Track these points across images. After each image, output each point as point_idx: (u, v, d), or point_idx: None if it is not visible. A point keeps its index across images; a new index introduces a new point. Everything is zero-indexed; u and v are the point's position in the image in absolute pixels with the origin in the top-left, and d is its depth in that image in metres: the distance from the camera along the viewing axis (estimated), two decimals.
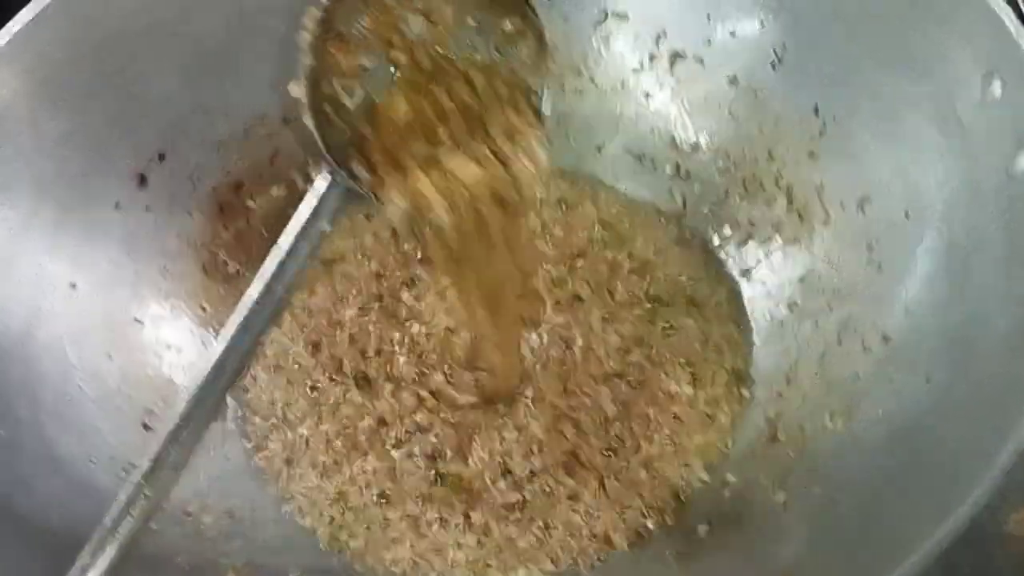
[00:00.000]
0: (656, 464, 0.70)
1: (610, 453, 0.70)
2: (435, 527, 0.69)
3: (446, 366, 0.75)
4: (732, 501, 0.66)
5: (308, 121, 0.61)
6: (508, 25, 0.62)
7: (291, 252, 0.60)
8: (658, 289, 0.79)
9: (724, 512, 0.66)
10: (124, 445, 0.68)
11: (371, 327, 0.78)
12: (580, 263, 0.81)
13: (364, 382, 0.75)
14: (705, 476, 0.69)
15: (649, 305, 0.78)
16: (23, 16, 0.70)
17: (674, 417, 0.72)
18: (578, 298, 0.78)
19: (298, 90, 0.60)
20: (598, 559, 0.67)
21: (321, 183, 0.63)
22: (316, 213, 0.62)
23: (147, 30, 0.76)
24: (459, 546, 0.68)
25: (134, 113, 0.76)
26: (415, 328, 0.77)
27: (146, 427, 0.71)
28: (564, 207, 0.85)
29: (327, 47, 0.59)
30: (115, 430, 0.69)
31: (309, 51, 0.59)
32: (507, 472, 0.70)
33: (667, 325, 0.77)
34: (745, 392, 0.73)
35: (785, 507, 0.62)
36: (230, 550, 0.65)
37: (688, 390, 0.73)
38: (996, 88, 0.60)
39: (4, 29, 0.69)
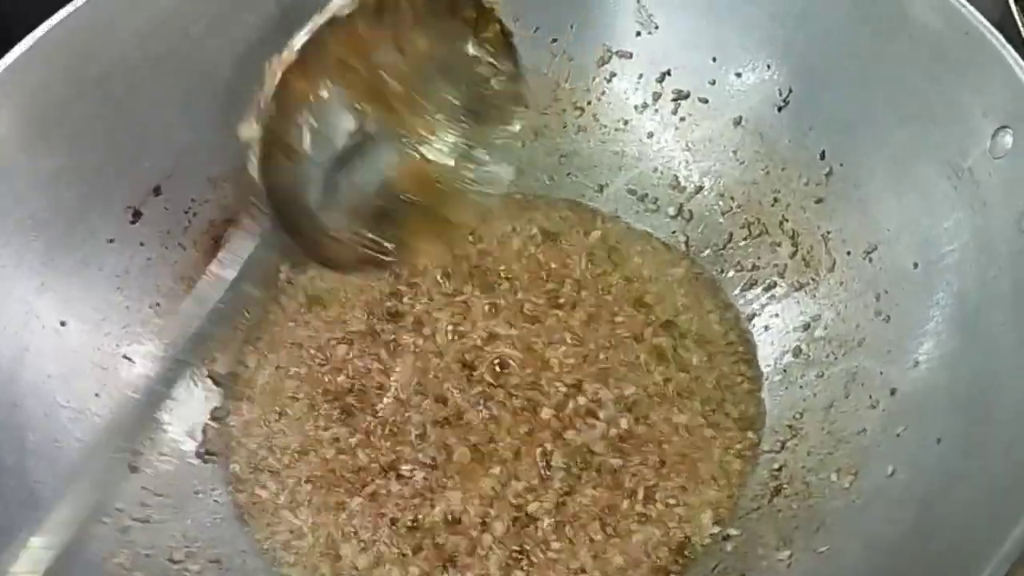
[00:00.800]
0: (663, 517, 0.68)
1: (609, 508, 0.68)
2: None
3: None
4: (734, 556, 0.65)
5: (253, 168, 0.56)
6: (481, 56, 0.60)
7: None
8: (668, 323, 0.78)
9: (725, 568, 0.64)
10: (112, 489, 0.66)
11: (359, 363, 0.77)
12: (584, 294, 0.80)
13: (349, 419, 0.74)
14: (715, 530, 0.67)
15: (657, 340, 0.77)
16: (19, 48, 0.69)
17: (682, 461, 0.70)
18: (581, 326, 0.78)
19: (249, 131, 0.56)
20: None
21: (245, 242, 0.56)
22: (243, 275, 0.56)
23: (146, 64, 0.75)
24: None
25: (131, 147, 0.75)
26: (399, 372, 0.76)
27: (133, 468, 0.69)
28: (561, 240, 0.83)
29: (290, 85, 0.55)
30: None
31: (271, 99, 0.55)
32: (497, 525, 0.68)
33: (675, 363, 0.75)
34: (753, 436, 0.72)
35: (789, 566, 0.61)
36: None
37: (698, 432, 0.72)
38: (1007, 141, 0.60)
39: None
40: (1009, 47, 0.61)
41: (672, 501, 0.68)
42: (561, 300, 0.79)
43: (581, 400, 0.73)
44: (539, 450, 0.70)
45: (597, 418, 0.72)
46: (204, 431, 0.74)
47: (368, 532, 0.68)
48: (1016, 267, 0.58)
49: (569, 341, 0.76)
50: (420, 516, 0.68)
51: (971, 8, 0.63)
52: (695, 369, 0.75)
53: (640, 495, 0.68)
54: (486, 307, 0.78)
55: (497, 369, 0.74)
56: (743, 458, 0.70)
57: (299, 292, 0.81)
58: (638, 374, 0.74)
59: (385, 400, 0.74)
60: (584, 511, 0.68)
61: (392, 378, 0.75)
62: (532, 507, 0.68)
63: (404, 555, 0.67)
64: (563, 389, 0.73)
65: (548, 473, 0.69)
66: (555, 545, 0.67)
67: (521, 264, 0.82)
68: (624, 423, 0.72)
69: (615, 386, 0.73)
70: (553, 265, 0.81)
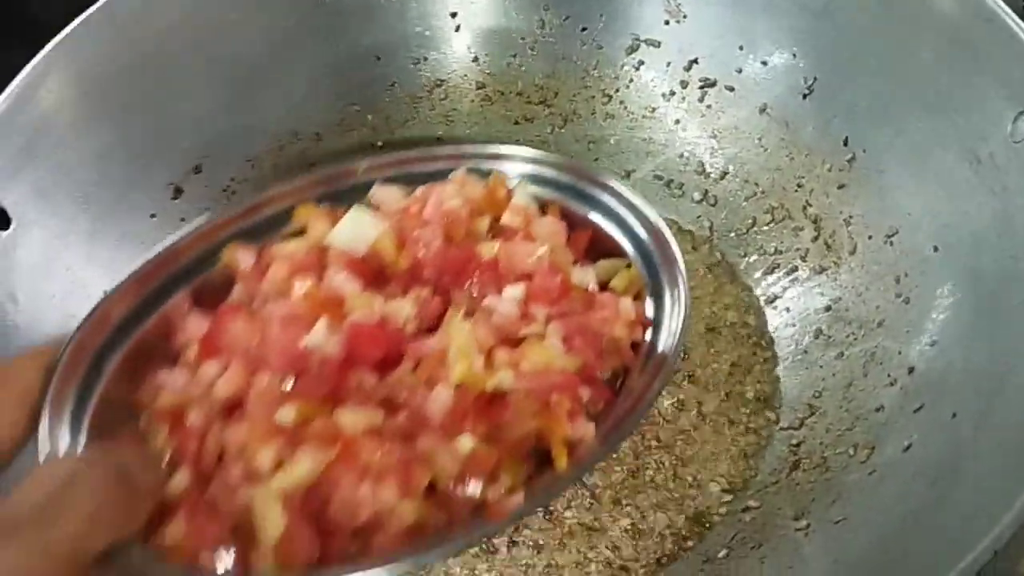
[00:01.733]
0: (681, 488, 0.70)
1: (633, 477, 0.70)
2: None
3: None
4: (752, 526, 0.66)
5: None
6: None
7: None
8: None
9: (744, 537, 0.66)
10: None
11: None
12: None
13: None
14: (729, 499, 0.69)
15: None
16: (68, 28, 0.72)
17: (696, 436, 0.72)
18: None
19: None
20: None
21: None
22: None
23: (188, 47, 0.78)
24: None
25: (173, 126, 0.78)
26: None
27: None
28: None
29: None
30: None
31: None
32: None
33: (690, 345, 0.77)
34: (771, 415, 0.73)
35: (806, 535, 0.62)
36: None
37: (713, 409, 0.74)
38: None
39: (50, 42, 0.71)
40: None
41: (685, 474, 0.70)
42: None
43: None
44: None
45: None
46: None
47: None
48: None
49: None
50: None
51: None
52: (711, 354, 0.77)
53: (653, 469, 0.71)
54: None
55: None
56: (758, 434, 0.72)
57: None
58: None
59: None
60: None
61: None
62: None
63: None
64: None
65: None
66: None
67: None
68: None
69: None
70: None
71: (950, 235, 0.67)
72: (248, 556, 0.38)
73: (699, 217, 0.84)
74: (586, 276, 0.45)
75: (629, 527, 0.68)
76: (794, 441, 0.70)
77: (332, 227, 0.45)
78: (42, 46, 0.71)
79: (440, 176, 0.50)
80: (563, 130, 0.90)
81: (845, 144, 0.76)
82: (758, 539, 0.64)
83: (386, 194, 0.47)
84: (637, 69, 0.87)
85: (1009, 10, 0.63)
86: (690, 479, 0.70)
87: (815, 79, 0.78)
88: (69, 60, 0.72)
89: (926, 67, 0.69)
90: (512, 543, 0.67)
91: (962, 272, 0.65)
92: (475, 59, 0.89)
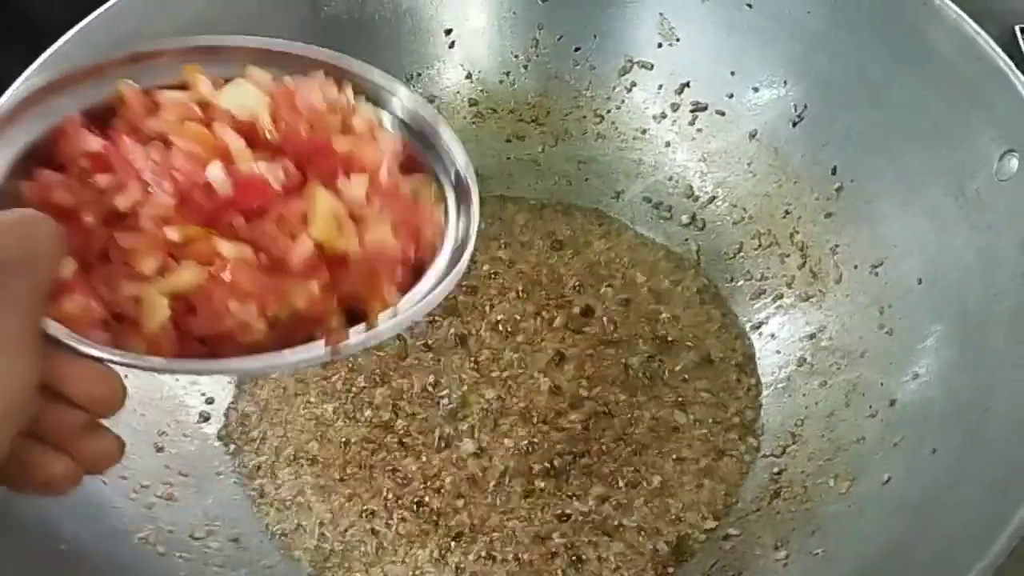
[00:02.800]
0: (662, 515, 0.70)
1: (612, 502, 0.71)
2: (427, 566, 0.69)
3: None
4: (732, 555, 0.67)
5: None
6: None
7: None
8: (668, 331, 0.80)
9: (724, 565, 0.66)
10: (136, 465, 0.69)
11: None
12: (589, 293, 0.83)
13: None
14: (711, 525, 0.69)
15: (655, 344, 0.79)
16: (58, 43, 0.71)
17: (679, 460, 0.73)
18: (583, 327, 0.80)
19: None
20: None
21: None
22: None
23: None
24: None
25: None
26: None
27: (158, 448, 0.72)
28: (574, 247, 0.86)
29: None
30: (128, 450, 0.69)
31: None
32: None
33: (674, 369, 0.78)
34: (753, 441, 0.74)
35: (785, 565, 0.63)
36: None
37: (696, 434, 0.74)
38: (1013, 165, 0.62)
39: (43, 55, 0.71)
40: (1019, 73, 0.63)
41: (668, 499, 0.71)
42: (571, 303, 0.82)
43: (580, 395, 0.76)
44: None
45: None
46: (226, 414, 0.76)
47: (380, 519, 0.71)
48: (1018, 288, 0.60)
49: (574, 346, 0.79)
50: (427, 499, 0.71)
51: (985, 35, 0.65)
52: (695, 379, 0.77)
53: (636, 492, 0.71)
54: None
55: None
56: (741, 461, 0.72)
57: None
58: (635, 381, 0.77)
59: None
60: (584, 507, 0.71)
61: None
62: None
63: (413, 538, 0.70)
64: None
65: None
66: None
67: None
68: (618, 426, 0.75)
69: (611, 391, 0.76)
70: (561, 272, 0.84)
71: (935, 269, 0.67)
72: (124, 340, 0.45)
73: (686, 240, 0.85)
74: (406, 184, 0.53)
75: (611, 556, 0.68)
76: (775, 469, 0.71)
77: (215, 90, 0.52)
78: (42, 46, 0.71)
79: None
80: (554, 148, 0.90)
81: (834, 173, 0.77)
82: (738, 567, 0.65)
83: (260, 76, 0.54)
84: (629, 91, 0.87)
85: (1000, 51, 0.64)
86: (673, 505, 0.71)
87: (806, 107, 0.78)
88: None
89: (917, 100, 0.70)
90: (489, 557, 0.68)
91: (946, 306, 0.66)
92: (468, 76, 0.90)
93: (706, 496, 0.71)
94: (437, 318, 0.80)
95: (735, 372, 0.77)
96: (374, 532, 0.70)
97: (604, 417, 0.75)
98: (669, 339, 0.79)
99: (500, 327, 0.80)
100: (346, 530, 0.71)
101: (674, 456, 0.73)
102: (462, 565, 0.68)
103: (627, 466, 0.73)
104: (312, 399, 0.77)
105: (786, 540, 0.64)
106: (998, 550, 0.48)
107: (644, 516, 0.70)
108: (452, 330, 0.79)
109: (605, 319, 0.80)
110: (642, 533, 0.69)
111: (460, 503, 0.71)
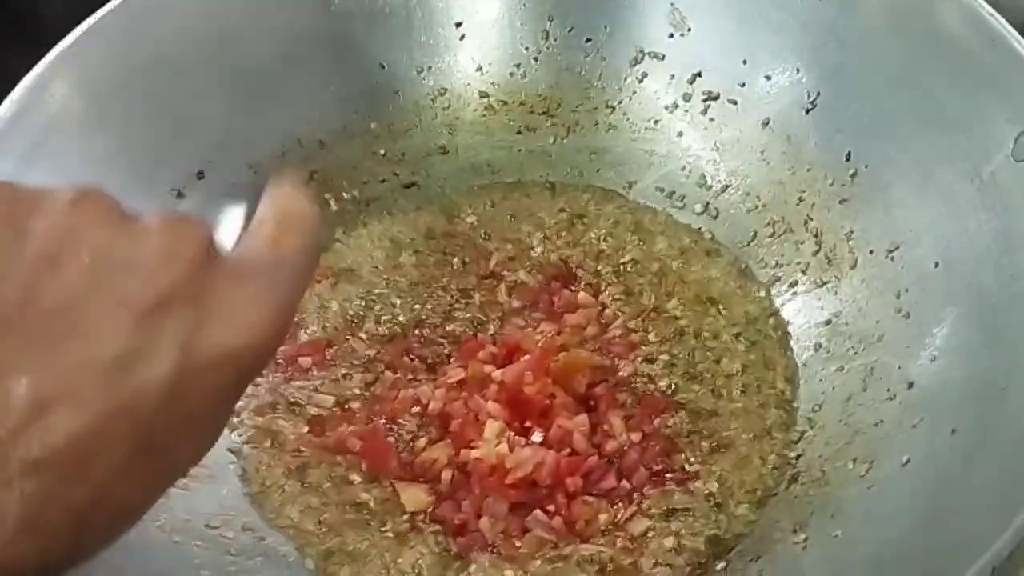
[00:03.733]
0: (703, 508, 0.69)
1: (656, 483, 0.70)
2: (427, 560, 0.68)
3: None
4: (751, 539, 0.67)
5: None
6: None
7: None
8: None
9: (742, 550, 0.66)
10: None
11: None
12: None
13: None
14: (752, 517, 0.68)
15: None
16: (73, 35, 0.72)
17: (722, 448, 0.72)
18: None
19: None
20: None
21: None
22: None
23: (194, 53, 0.78)
24: None
25: (175, 132, 0.78)
26: None
27: None
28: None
29: None
30: None
31: None
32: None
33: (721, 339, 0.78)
34: (792, 420, 0.73)
35: (804, 548, 0.62)
36: (252, 567, 0.65)
37: (742, 410, 0.74)
38: None
39: (56, 46, 0.71)
40: None
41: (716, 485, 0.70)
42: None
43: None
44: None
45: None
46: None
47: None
48: None
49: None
50: None
51: (999, 17, 0.65)
52: (734, 348, 0.77)
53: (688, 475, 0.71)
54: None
55: None
56: (781, 443, 0.72)
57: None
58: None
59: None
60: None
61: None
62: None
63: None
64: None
65: None
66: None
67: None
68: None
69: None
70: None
71: (951, 252, 0.67)
72: None
73: (700, 229, 0.84)
74: None
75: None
76: (793, 454, 0.70)
77: None
78: (46, 45, 0.71)
79: None
80: (566, 141, 0.90)
81: (847, 159, 0.76)
82: (756, 551, 0.65)
83: None
84: (640, 81, 0.87)
85: (1015, 31, 0.64)
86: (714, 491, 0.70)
87: (818, 94, 0.78)
88: (73, 65, 0.72)
89: (931, 85, 0.70)
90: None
91: (963, 289, 0.65)
92: (479, 68, 0.90)
93: (751, 480, 0.70)
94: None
95: (772, 351, 0.77)
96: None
97: None
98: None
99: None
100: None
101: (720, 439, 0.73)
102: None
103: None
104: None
105: (804, 524, 0.64)
106: (1017, 528, 0.48)
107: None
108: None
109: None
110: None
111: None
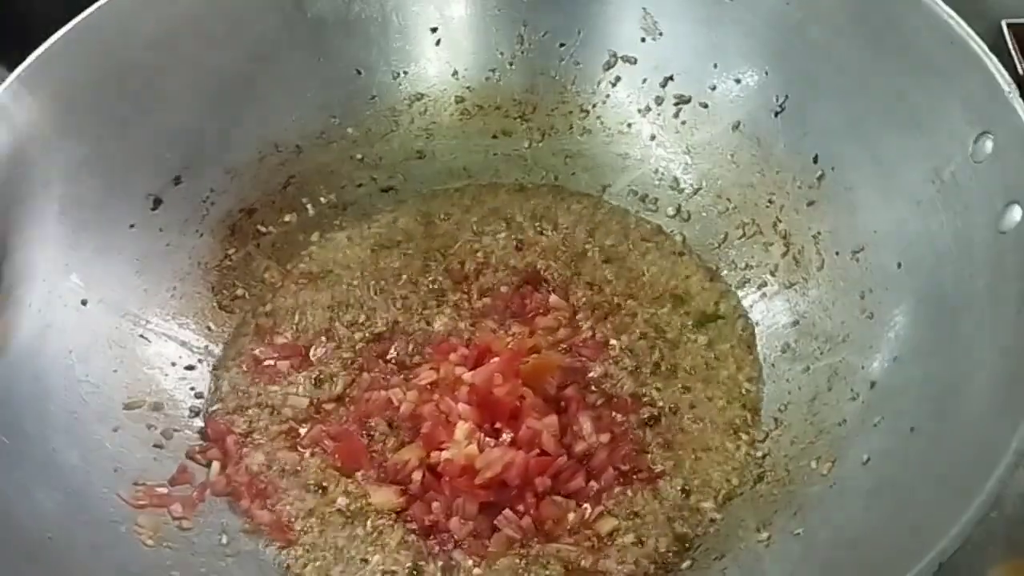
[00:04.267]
0: (669, 506, 0.70)
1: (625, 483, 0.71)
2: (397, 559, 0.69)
3: None
4: (715, 538, 0.67)
5: None
6: None
7: None
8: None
9: (707, 548, 0.67)
10: (124, 456, 0.70)
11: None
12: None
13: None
14: (717, 515, 0.69)
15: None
16: (47, 43, 0.72)
17: (689, 447, 0.73)
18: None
19: None
20: None
21: None
22: None
23: (168, 59, 0.79)
24: None
25: (152, 138, 0.79)
26: None
27: (148, 443, 0.72)
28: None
29: None
30: (117, 442, 0.70)
31: None
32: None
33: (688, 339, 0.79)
34: (757, 418, 0.74)
35: (767, 546, 0.63)
36: (222, 568, 0.66)
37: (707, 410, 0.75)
38: (987, 146, 0.62)
39: (30, 57, 0.72)
40: (992, 55, 0.63)
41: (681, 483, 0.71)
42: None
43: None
44: None
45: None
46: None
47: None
48: (992, 268, 0.61)
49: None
50: None
51: (958, 19, 0.66)
52: (702, 348, 0.78)
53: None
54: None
55: None
56: (746, 442, 0.72)
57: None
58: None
59: None
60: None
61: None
62: None
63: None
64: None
65: None
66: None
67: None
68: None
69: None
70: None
71: (913, 252, 0.68)
72: None
73: (672, 231, 0.85)
74: None
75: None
76: (759, 453, 0.71)
77: None
78: (32, 45, 0.72)
79: None
80: (541, 144, 0.91)
81: (815, 161, 0.77)
82: (721, 550, 0.66)
83: None
84: (614, 85, 0.88)
85: (975, 35, 0.64)
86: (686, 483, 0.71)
87: (787, 97, 0.79)
88: (50, 72, 0.72)
89: (894, 87, 0.70)
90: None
91: (924, 288, 0.66)
92: (454, 73, 0.91)
93: (718, 478, 0.71)
94: None
95: (738, 347, 0.78)
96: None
97: None
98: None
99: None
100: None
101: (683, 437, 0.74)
102: None
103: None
104: None
105: (768, 522, 0.65)
106: (967, 520, 0.48)
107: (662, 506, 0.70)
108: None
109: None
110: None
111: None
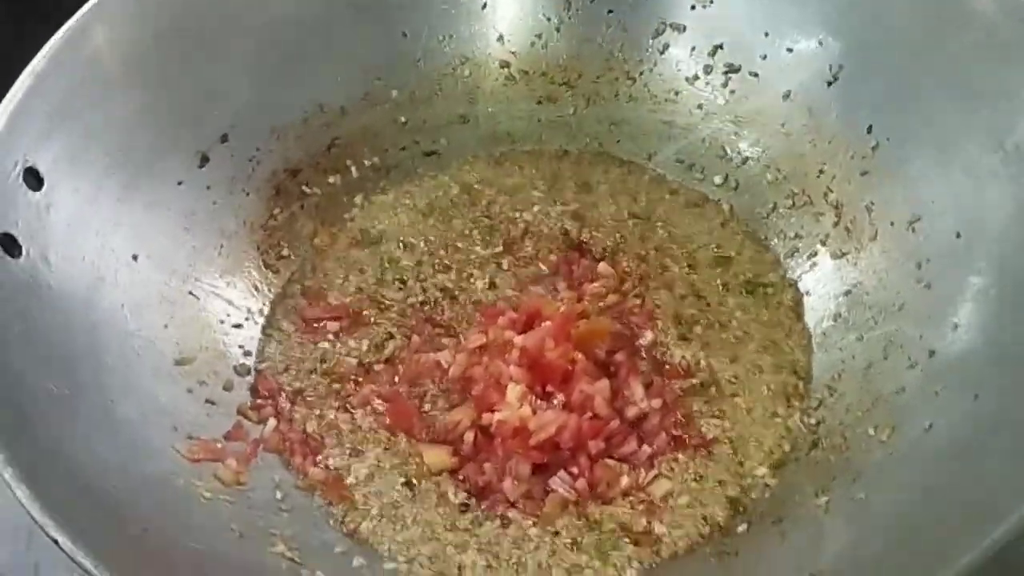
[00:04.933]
0: (722, 471, 0.70)
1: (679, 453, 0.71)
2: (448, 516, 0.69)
3: None
4: (772, 502, 0.68)
5: None
6: None
7: None
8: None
9: (763, 512, 0.67)
10: (178, 411, 0.70)
11: None
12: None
13: None
14: (772, 481, 0.69)
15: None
16: (80, 12, 0.71)
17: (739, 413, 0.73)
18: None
19: None
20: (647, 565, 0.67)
21: None
22: None
23: (219, 16, 0.78)
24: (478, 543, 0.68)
25: (202, 94, 0.79)
26: None
27: (201, 399, 0.72)
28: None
29: None
30: (170, 396, 0.70)
31: None
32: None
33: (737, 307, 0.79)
34: (809, 387, 0.74)
35: (827, 511, 0.63)
36: (279, 522, 0.66)
37: (758, 377, 0.75)
38: None
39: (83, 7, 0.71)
40: None
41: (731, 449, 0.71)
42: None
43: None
44: None
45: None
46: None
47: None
48: None
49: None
50: None
51: None
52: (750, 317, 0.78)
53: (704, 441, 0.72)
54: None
55: None
56: (797, 406, 0.73)
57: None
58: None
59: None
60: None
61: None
62: None
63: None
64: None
65: None
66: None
67: None
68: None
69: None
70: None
71: (974, 223, 0.68)
72: None
73: (719, 201, 0.85)
74: None
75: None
76: (813, 420, 0.71)
77: None
78: (65, 15, 0.71)
79: None
80: (586, 111, 0.90)
81: (869, 132, 0.77)
82: (778, 514, 0.66)
83: None
84: (662, 53, 0.88)
85: None
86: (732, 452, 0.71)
87: (841, 67, 0.79)
88: (104, 25, 0.72)
89: (954, 59, 0.70)
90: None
91: (985, 259, 0.66)
92: (500, 38, 0.90)
93: (768, 447, 0.71)
94: None
95: (787, 314, 0.78)
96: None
97: None
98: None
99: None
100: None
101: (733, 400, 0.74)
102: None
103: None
104: None
105: (827, 488, 0.65)
106: None
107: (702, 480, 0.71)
108: None
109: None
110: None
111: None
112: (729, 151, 0.86)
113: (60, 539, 0.51)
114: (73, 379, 0.64)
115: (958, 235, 0.69)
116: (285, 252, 0.83)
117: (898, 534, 0.57)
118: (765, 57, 0.83)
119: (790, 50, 0.82)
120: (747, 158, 0.85)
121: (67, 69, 0.69)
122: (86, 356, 0.66)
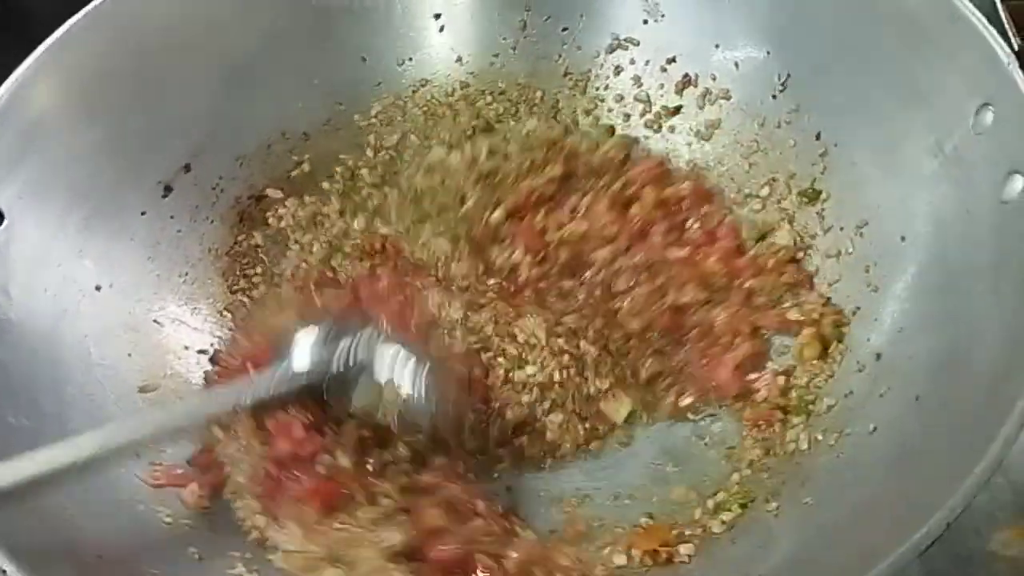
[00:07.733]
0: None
1: None
2: None
3: None
4: None
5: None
6: None
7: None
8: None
9: None
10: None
11: None
12: None
13: None
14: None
15: None
16: (60, 30, 0.73)
17: None
18: None
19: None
20: None
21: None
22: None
23: (178, 47, 0.80)
24: None
25: (163, 125, 0.80)
26: None
27: None
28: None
29: None
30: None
31: None
32: None
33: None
34: None
35: (776, 516, 0.64)
36: (238, 544, 0.67)
37: None
38: (988, 117, 0.63)
39: (44, 42, 0.72)
40: (991, 28, 0.64)
41: None
42: None
43: None
44: None
45: None
46: None
47: None
48: (996, 238, 0.62)
49: None
50: None
51: None
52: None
53: None
54: None
55: None
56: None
57: None
58: None
59: None
60: None
61: None
62: None
63: None
64: None
65: None
66: None
67: None
68: None
69: None
70: None
71: (917, 225, 0.69)
72: None
73: None
74: None
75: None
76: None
77: None
78: (36, 42, 0.73)
79: None
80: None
81: (818, 138, 0.78)
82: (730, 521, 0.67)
83: None
84: (616, 68, 0.89)
85: (975, 9, 0.65)
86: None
87: (788, 75, 0.80)
88: (62, 59, 0.73)
89: (895, 64, 0.71)
90: None
91: (928, 261, 0.67)
92: (458, 59, 0.91)
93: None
94: None
95: None
96: None
97: None
98: None
99: None
100: None
101: None
102: None
103: None
104: None
105: (777, 493, 0.66)
106: (973, 482, 0.49)
107: None
108: None
109: None
110: None
111: None
112: (685, 164, 0.87)
113: (8, 570, 0.52)
114: (35, 410, 0.65)
115: (903, 238, 0.69)
116: (250, 277, 0.84)
117: (841, 536, 0.57)
118: (717, 69, 0.85)
119: (739, 61, 0.83)
120: (702, 169, 0.86)
121: (27, 106, 0.71)
122: (49, 388, 0.67)
